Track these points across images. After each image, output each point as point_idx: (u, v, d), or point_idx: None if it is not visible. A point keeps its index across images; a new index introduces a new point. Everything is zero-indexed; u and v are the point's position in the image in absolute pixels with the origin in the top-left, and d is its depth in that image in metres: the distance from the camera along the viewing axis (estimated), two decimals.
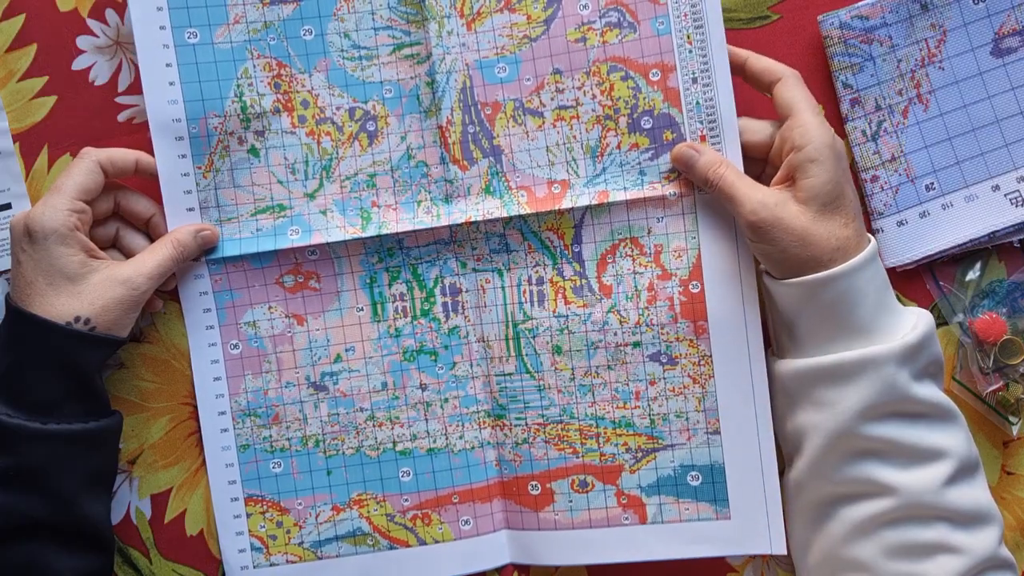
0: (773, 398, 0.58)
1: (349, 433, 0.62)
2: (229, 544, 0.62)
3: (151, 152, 0.60)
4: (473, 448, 0.62)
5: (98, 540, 0.57)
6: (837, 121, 0.63)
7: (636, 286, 0.61)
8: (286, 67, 0.61)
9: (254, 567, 0.62)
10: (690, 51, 0.59)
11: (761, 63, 0.58)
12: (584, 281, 0.61)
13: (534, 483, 0.62)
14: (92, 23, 0.63)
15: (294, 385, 0.62)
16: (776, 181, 0.56)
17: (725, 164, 0.57)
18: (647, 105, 0.60)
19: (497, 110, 0.61)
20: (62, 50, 0.63)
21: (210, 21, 0.60)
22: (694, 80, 0.59)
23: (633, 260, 0.61)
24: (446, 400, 0.62)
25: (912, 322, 0.54)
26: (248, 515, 0.62)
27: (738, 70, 0.59)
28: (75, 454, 0.56)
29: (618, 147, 0.61)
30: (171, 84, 0.60)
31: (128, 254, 0.60)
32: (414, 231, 0.61)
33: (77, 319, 0.55)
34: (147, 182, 0.61)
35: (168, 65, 0.60)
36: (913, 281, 0.63)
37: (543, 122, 0.61)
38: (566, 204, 0.60)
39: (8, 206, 0.63)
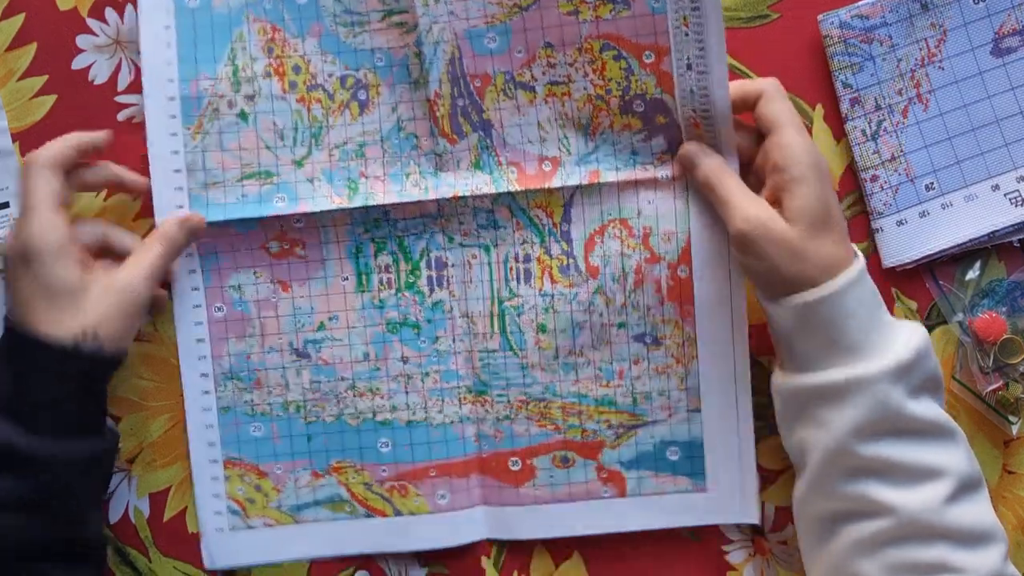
0: (777, 409, 0.57)
1: (330, 401, 0.62)
2: (206, 506, 0.62)
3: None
4: (453, 423, 0.62)
5: (94, 554, 0.58)
6: (837, 121, 0.63)
7: (623, 267, 0.60)
8: (280, 31, 0.61)
9: (231, 529, 0.62)
10: (686, 34, 0.56)
11: (739, 89, 0.56)
12: (571, 260, 0.61)
13: (515, 459, 0.62)
14: (92, 22, 0.63)
15: (277, 351, 0.62)
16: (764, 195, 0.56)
17: (726, 171, 0.56)
18: (639, 88, 0.59)
19: (487, 83, 0.60)
20: (62, 49, 0.63)
21: None
22: (689, 66, 0.56)
23: (621, 242, 0.60)
24: (427, 374, 0.62)
25: (905, 338, 0.53)
26: (226, 478, 0.62)
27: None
28: (86, 475, 0.55)
29: (610, 127, 0.60)
30: (168, 45, 0.60)
31: (118, 254, 0.59)
32: (401, 203, 0.60)
33: (84, 334, 0.54)
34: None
35: (167, 27, 0.60)
36: (913, 281, 0.63)
37: (534, 97, 0.60)
38: (556, 182, 0.60)
39: (7, 205, 0.63)
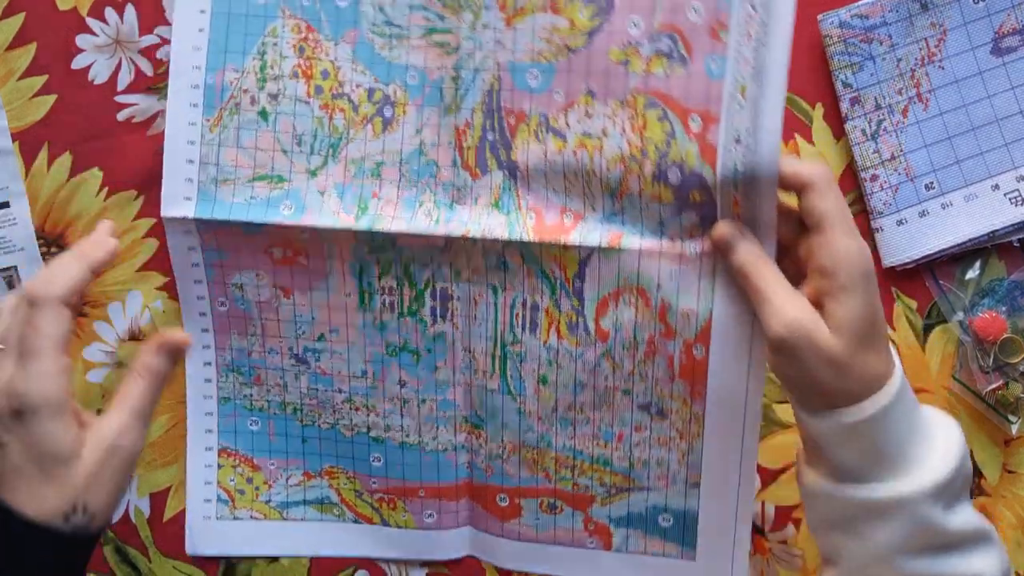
0: (807, 506, 0.52)
1: (326, 409, 0.61)
2: (196, 493, 0.62)
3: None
4: (446, 450, 0.61)
5: None
6: (837, 120, 0.63)
7: (636, 337, 0.56)
8: (314, 31, 0.58)
9: (217, 518, 0.62)
10: (741, 106, 0.48)
11: (790, 167, 0.48)
12: (581, 319, 0.57)
13: (503, 495, 0.61)
14: (92, 22, 0.63)
15: (277, 353, 0.61)
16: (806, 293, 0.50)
17: (766, 261, 0.50)
18: (678, 156, 0.52)
19: (521, 121, 0.56)
20: (62, 49, 0.63)
21: None
22: (737, 140, 0.49)
23: (636, 311, 0.56)
24: (423, 401, 0.61)
25: (944, 448, 0.48)
26: (219, 467, 0.62)
27: None
28: None
29: (639, 194, 0.54)
30: (200, 30, 0.58)
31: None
32: (408, 233, 0.57)
33: (75, 507, 0.45)
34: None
35: (202, 11, 0.58)
36: (913, 280, 0.63)
37: (564, 146, 0.55)
38: (575, 239, 0.55)
39: (7, 204, 0.63)
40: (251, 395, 0.62)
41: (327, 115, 0.58)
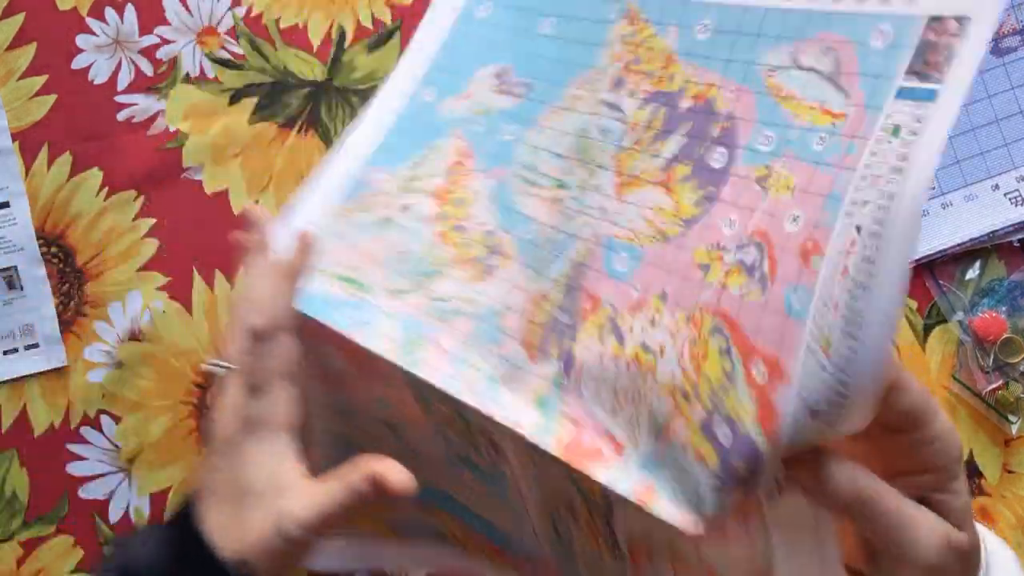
0: None
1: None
2: None
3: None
4: None
5: None
6: None
7: None
8: (471, 159, 0.51)
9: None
10: (822, 367, 0.34)
11: (911, 397, 0.38)
12: (612, 539, 0.45)
13: None
14: (92, 22, 0.63)
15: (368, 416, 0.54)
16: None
17: (881, 484, 0.38)
18: (732, 410, 0.37)
19: (595, 309, 0.44)
20: (62, 49, 0.63)
21: (450, 88, 0.53)
22: (814, 414, 0.34)
23: (676, 571, 0.43)
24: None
25: None
26: None
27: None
28: None
29: (682, 447, 0.39)
30: (378, 129, 0.54)
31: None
32: (439, 389, 0.46)
33: (244, 564, 0.42)
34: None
35: (392, 112, 0.54)
36: (913, 280, 0.63)
37: (621, 354, 0.42)
38: (603, 477, 0.41)
39: (7, 204, 0.63)
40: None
41: (439, 243, 0.50)
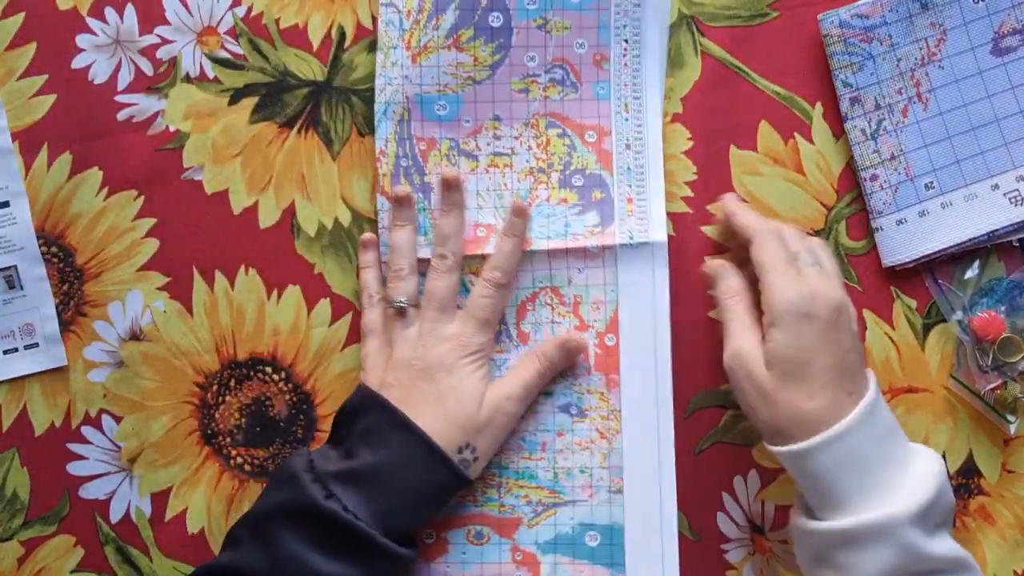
0: (796, 548, 0.55)
1: None
2: None
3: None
4: None
5: None
6: (836, 119, 0.63)
7: (553, 335, 0.61)
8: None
9: None
10: (626, 119, 0.61)
11: (739, 220, 0.57)
12: (502, 327, 0.61)
13: (428, 531, 0.60)
14: (91, 21, 0.63)
15: None
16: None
17: (741, 297, 0.56)
18: (580, 164, 0.61)
19: (432, 147, 0.61)
20: (61, 48, 0.63)
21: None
22: (627, 146, 0.61)
23: (552, 309, 0.61)
24: None
25: (921, 472, 0.50)
26: None
27: (724, 222, 0.59)
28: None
29: (547, 199, 0.61)
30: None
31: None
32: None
33: (467, 446, 0.56)
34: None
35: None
36: (912, 279, 0.63)
37: (476, 165, 0.62)
38: (490, 248, 0.60)
39: (7, 204, 0.63)
40: None
41: None
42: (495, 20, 0.61)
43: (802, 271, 0.53)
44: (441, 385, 0.56)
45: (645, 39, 0.61)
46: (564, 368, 0.60)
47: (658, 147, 0.61)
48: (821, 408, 0.50)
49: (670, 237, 0.61)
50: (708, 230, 0.63)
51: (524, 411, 0.59)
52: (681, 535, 0.62)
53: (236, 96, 0.64)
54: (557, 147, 0.62)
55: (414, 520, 0.56)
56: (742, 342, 0.53)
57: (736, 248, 0.60)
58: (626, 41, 0.61)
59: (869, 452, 0.50)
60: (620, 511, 0.59)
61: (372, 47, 0.64)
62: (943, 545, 0.50)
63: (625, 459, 0.59)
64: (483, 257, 0.60)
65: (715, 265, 0.58)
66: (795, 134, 0.63)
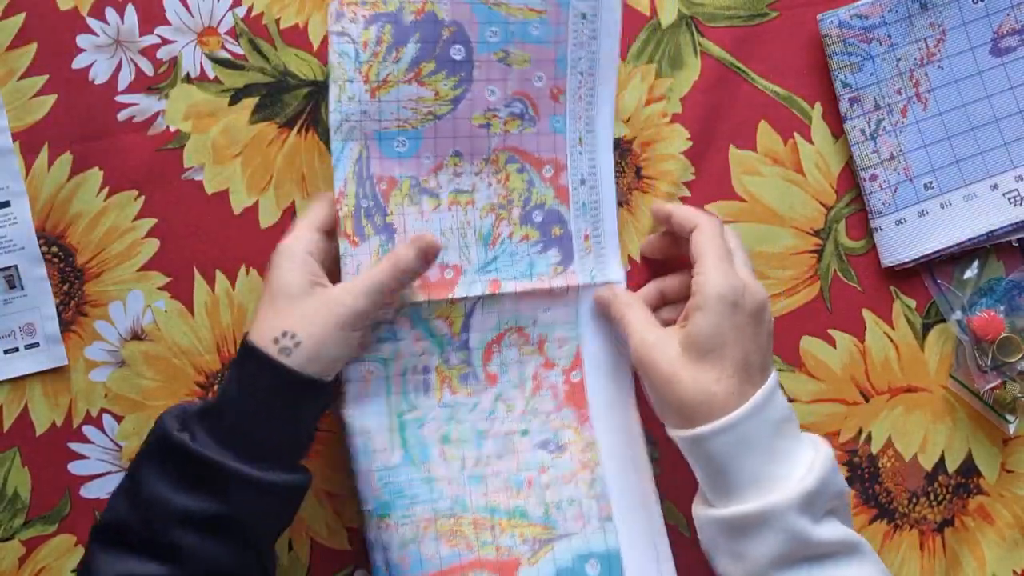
0: (699, 537, 0.55)
1: None
2: None
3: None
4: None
5: None
6: (836, 119, 0.63)
7: (522, 375, 0.60)
8: None
9: None
10: (580, 153, 0.61)
11: (681, 212, 0.58)
12: (470, 369, 0.60)
13: None
14: (92, 22, 0.63)
15: None
16: (677, 323, 0.55)
17: (630, 305, 0.58)
18: (539, 199, 0.61)
19: (393, 186, 0.58)
20: (62, 49, 0.63)
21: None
22: (582, 181, 0.61)
23: (519, 349, 0.60)
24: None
25: (808, 462, 0.52)
26: None
27: (664, 222, 0.60)
28: (279, 509, 0.53)
29: (509, 236, 0.60)
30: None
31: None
32: None
33: (284, 334, 0.52)
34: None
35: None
36: (911, 279, 0.63)
37: (439, 204, 0.59)
38: (460, 292, 0.58)
39: (7, 204, 0.63)
40: None
41: None
42: (457, 53, 0.57)
43: (736, 266, 0.55)
44: (269, 277, 0.54)
45: (598, 71, 0.61)
46: (419, 271, 0.55)
47: (610, 183, 0.62)
48: (726, 394, 0.52)
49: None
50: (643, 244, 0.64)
51: (375, 311, 0.54)
52: (676, 531, 0.62)
53: (236, 96, 0.64)
54: (516, 183, 0.60)
55: (272, 436, 0.52)
56: (645, 333, 0.55)
57: (666, 239, 0.62)
58: (581, 74, 0.61)
59: (763, 439, 0.51)
60: (614, 537, 0.59)
61: None
62: (831, 530, 0.51)
63: (609, 487, 0.60)
64: (451, 302, 0.58)
65: (604, 294, 0.60)
66: (794, 134, 0.63)
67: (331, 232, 0.56)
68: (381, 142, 0.57)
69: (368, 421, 0.57)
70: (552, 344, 0.61)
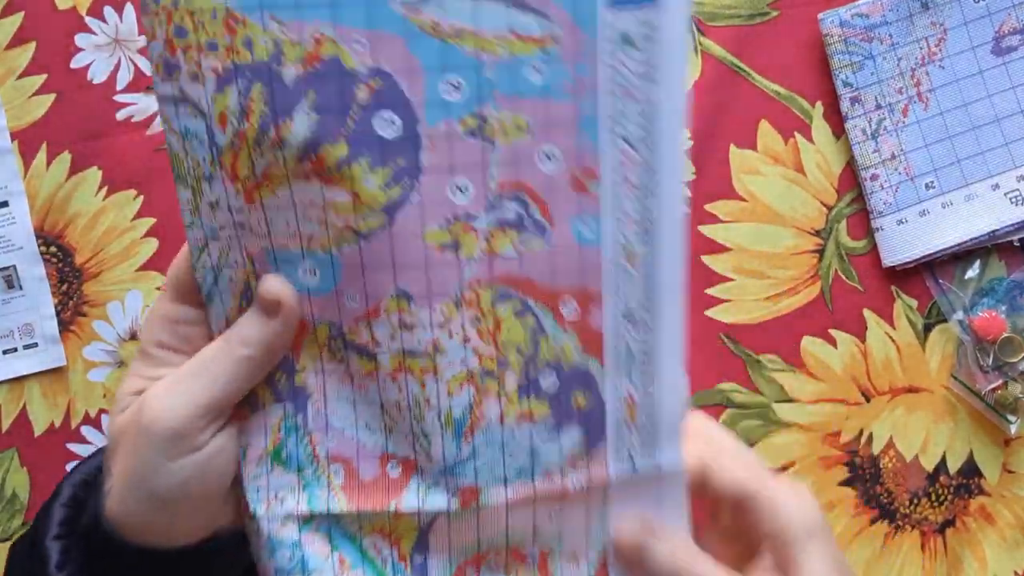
0: None
1: None
2: None
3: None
4: None
5: None
6: (837, 119, 0.63)
7: None
8: None
9: None
10: (630, 274, 0.35)
11: (726, 476, 0.37)
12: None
13: None
14: (91, 21, 0.63)
15: None
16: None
17: (696, 555, 0.36)
18: (551, 355, 0.36)
19: (302, 334, 0.36)
20: (61, 48, 0.63)
21: None
22: (629, 318, 0.36)
23: (506, 571, 0.39)
24: None
25: None
26: None
27: (698, 486, 0.38)
28: None
29: (500, 420, 0.36)
30: None
31: None
32: None
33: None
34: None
35: None
36: (913, 279, 0.63)
37: (375, 369, 0.36)
38: (407, 503, 0.36)
39: (6, 203, 0.63)
40: None
41: None
42: (386, 126, 0.33)
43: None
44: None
45: (658, 135, 0.34)
46: (282, 349, 0.35)
47: (677, 316, 0.36)
48: None
49: None
50: None
51: (215, 428, 0.35)
52: None
53: None
54: (514, 333, 0.36)
55: None
56: None
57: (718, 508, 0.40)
58: (627, 142, 0.34)
59: None
60: None
61: None
62: None
63: None
64: (396, 515, 0.36)
65: (633, 532, 0.37)
66: (795, 133, 0.63)
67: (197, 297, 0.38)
68: (279, 267, 0.35)
69: None
70: (559, 559, 0.38)
